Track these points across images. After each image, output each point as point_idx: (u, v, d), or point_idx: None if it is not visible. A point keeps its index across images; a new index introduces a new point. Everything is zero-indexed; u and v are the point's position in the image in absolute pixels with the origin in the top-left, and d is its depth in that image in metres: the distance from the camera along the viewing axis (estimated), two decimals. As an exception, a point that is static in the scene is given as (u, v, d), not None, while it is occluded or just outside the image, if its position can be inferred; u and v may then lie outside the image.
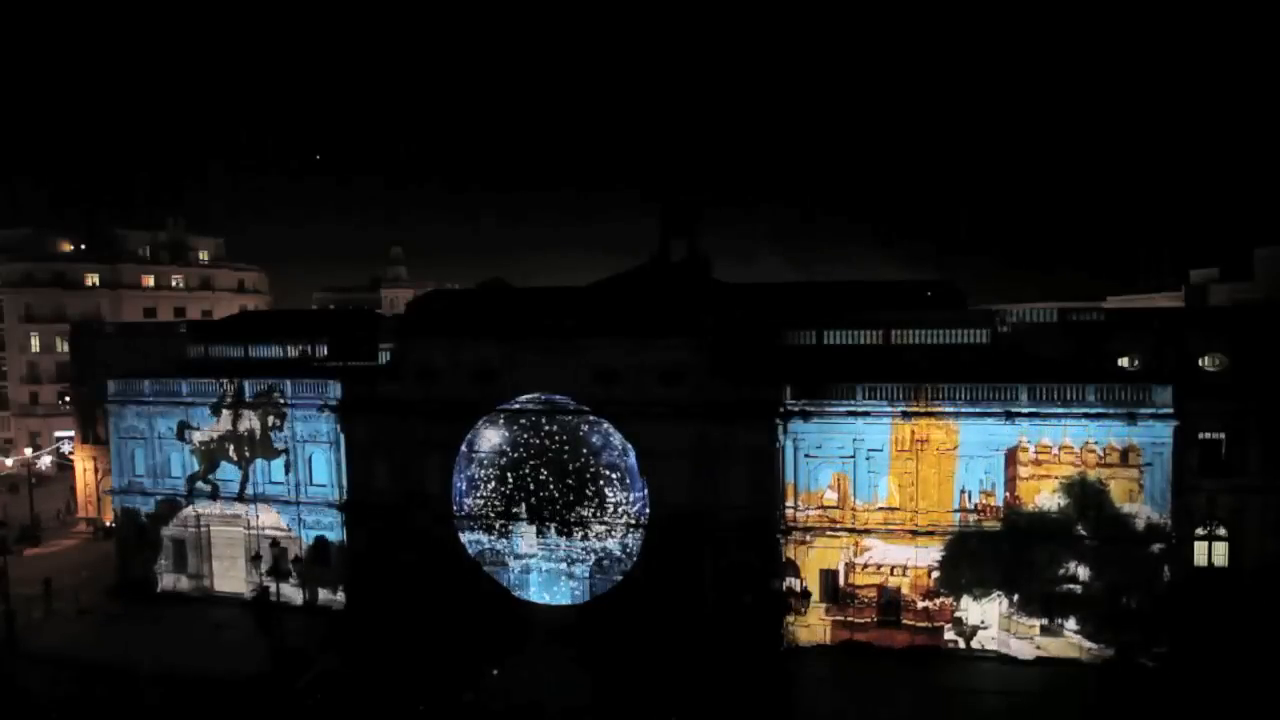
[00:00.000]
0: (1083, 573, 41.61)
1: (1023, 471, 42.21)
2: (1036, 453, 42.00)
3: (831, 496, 44.38)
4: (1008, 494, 42.44)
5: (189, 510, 54.41)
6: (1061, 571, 41.73)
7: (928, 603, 43.15)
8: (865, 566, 44.11)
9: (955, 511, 42.97)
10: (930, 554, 43.16)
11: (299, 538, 52.19)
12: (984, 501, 42.60)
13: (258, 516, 53.04)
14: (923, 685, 40.03)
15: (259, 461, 52.80)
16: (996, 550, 42.19)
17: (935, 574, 43.14)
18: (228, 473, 53.48)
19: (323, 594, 52.02)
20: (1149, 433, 40.98)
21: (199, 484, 53.99)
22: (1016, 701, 38.23)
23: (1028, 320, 47.89)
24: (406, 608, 49.44)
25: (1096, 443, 41.27)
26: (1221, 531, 44.78)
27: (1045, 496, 41.97)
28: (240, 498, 53.10)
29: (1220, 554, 44.90)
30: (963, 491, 42.85)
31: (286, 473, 52.20)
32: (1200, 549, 44.90)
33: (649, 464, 46.00)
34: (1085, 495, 41.41)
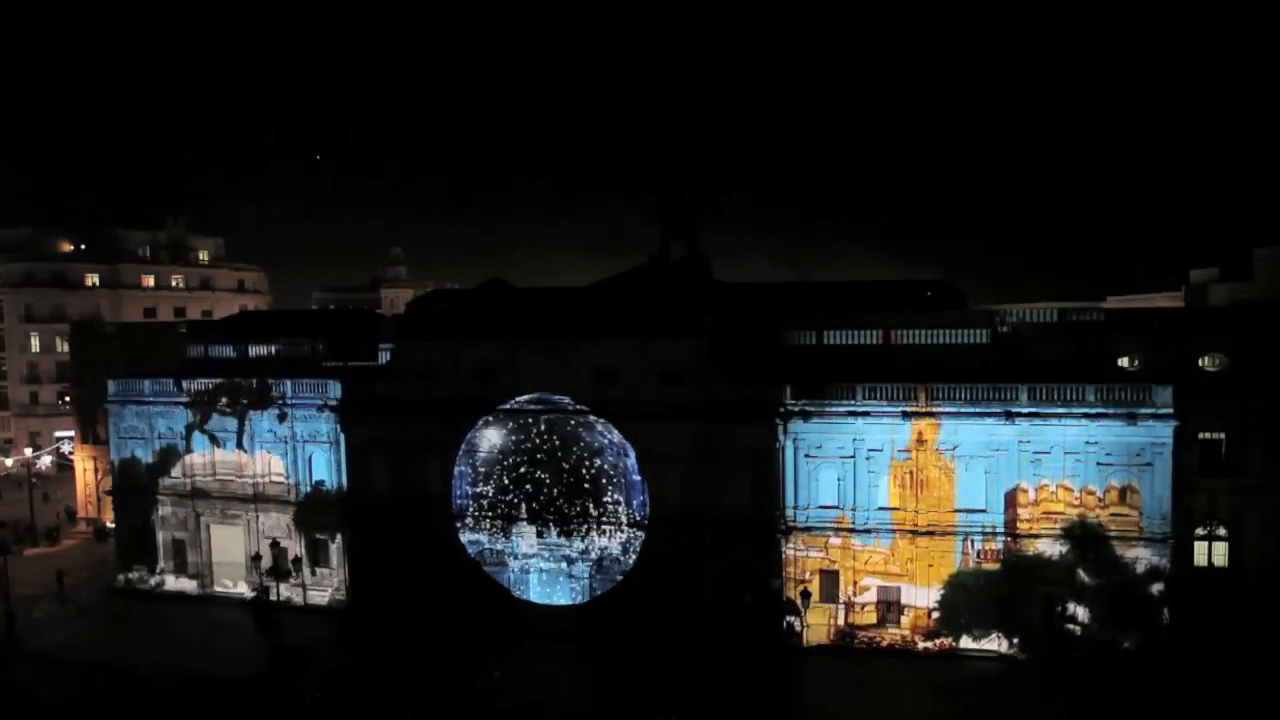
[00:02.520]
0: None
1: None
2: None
3: (831, 498, 44.42)
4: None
5: (188, 510, 54.46)
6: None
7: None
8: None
9: (956, 511, 43.03)
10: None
11: (299, 537, 52.22)
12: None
13: (258, 516, 53.09)
14: (924, 683, 40.02)
15: (258, 461, 52.80)
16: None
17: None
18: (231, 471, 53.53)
19: (323, 594, 52.04)
20: (1149, 433, 41.01)
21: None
22: (1016, 698, 38.29)
23: (1028, 320, 47.86)
24: (406, 608, 49.49)
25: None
26: (1221, 531, 44.76)
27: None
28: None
29: (1220, 554, 44.88)
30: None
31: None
32: (1200, 549, 44.86)
33: (649, 464, 46.01)
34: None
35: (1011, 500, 42.42)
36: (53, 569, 58.04)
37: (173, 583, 55.05)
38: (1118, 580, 41.23)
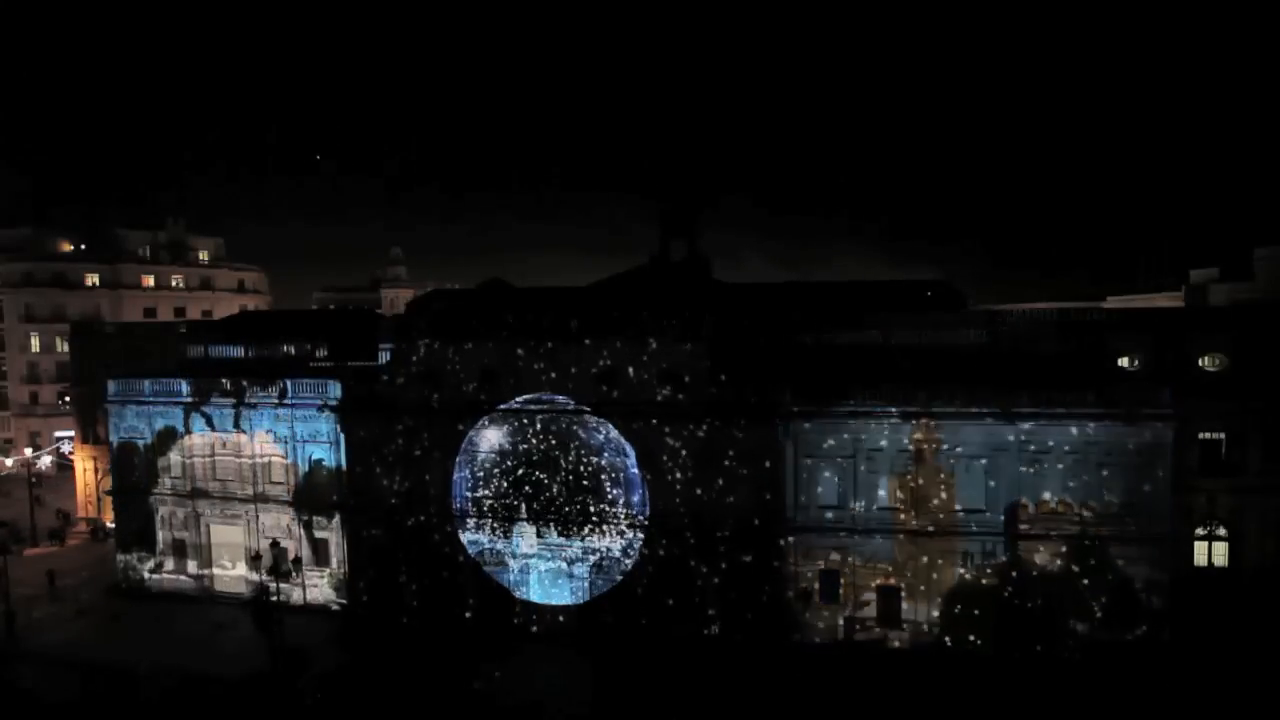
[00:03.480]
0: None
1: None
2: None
3: (832, 499, 44.37)
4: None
5: (189, 510, 54.49)
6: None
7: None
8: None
9: (957, 512, 42.98)
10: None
11: (299, 537, 52.25)
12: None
13: (258, 516, 53.11)
14: (928, 684, 40.00)
15: (257, 459, 52.84)
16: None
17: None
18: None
19: (323, 594, 52.06)
20: (1149, 433, 40.86)
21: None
22: (1016, 700, 38.30)
23: (1028, 320, 47.85)
24: (406, 608, 49.56)
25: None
26: (1221, 531, 44.79)
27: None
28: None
29: (1220, 554, 44.90)
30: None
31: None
32: (1200, 549, 44.89)
33: (649, 464, 46.01)
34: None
35: (1012, 503, 42.32)
36: (56, 569, 58.11)
37: (173, 582, 55.06)
38: (1118, 583, 41.18)
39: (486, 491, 48.72)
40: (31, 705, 40.52)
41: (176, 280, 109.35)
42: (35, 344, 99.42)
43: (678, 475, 45.74)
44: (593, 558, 47.29)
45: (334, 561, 51.95)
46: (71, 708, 40.05)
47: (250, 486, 53.11)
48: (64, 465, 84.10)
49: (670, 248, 59.12)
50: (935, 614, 43.09)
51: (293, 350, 56.67)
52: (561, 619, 47.71)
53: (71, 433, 78.25)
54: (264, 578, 48.08)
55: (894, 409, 43.09)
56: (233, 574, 53.99)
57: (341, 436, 50.94)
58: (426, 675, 42.23)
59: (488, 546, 48.95)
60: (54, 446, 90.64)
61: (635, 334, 46.04)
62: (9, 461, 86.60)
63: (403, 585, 49.89)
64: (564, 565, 47.77)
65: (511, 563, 48.66)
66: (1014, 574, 42.07)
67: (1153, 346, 45.79)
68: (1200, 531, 44.74)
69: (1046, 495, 41.93)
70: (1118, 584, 41.19)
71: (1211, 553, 44.97)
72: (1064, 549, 41.66)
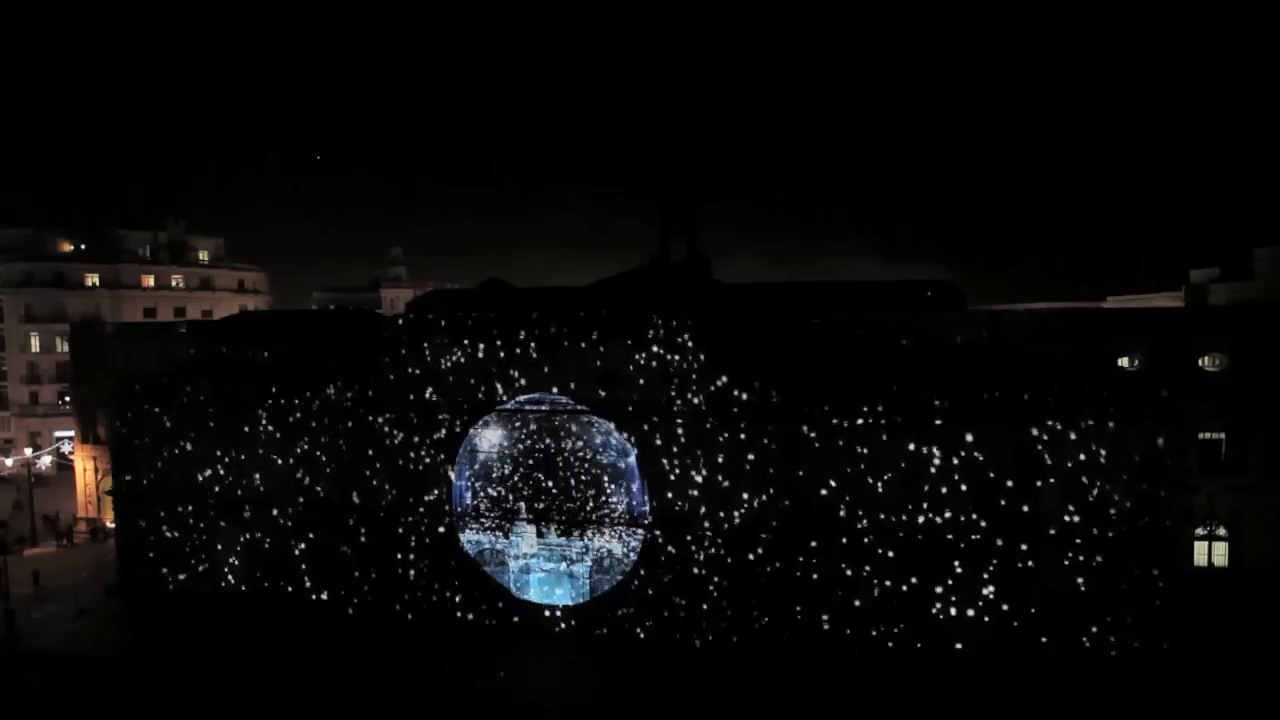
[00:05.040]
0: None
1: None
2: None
3: (831, 499, 44.33)
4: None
5: (189, 509, 54.42)
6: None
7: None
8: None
9: (957, 511, 42.92)
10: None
11: (301, 537, 52.22)
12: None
13: (259, 516, 53.07)
14: (932, 682, 40.01)
15: (259, 463, 52.78)
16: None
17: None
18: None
19: (326, 593, 52.03)
20: (1146, 433, 40.72)
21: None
22: (1014, 698, 38.32)
23: (1027, 320, 47.81)
24: (407, 607, 49.59)
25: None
26: (1221, 531, 44.79)
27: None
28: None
29: (1220, 554, 44.90)
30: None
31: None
32: (1200, 549, 44.88)
33: (649, 464, 46.02)
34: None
35: (1012, 502, 42.24)
36: (58, 569, 58.17)
37: (173, 582, 55.02)
38: (1117, 580, 41.14)
39: (486, 491, 48.73)
40: (31, 705, 40.56)
41: (176, 280, 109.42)
42: (35, 344, 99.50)
43: (678, 475, 45.74)
44: (592, 557, 47.31)
45: (337, 562, 51.95)
46: (71, 707, 40.08)
47: (250, 486, 53.11)
48: (64, 465, 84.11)
49: (670, 248, 59.14)
50: (939, 613, 42.99)
51: (292, 350, 56.54)
52: (561, 618, 47.75)
53: (71, 433, 78.27)
54: (265, 578, 48.10)
55: (893, 408, 42.87)
56: (234, 574, 53.99)
57: (342, 437, 50.95)
58: (428, 674, 42.27)
59: (488, 546, 48.98)
60: (54, 446, 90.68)
61: (635, 334, 46.07)
62: (9, 461, 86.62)
63: (403, 584, 49.91)
64: (564, 565, 47.81)
65: (511, 563, 48.69)
66: (1010, 574, 41.97)
67: (1153, 346, 45.78)
68: (1200, 531, 44.75)
69: (1046, 479, 41.58)
70: (1116, 584, 41.11)
71: (1211, 553, 44.97)
72: (1059, 548, 41.57)
